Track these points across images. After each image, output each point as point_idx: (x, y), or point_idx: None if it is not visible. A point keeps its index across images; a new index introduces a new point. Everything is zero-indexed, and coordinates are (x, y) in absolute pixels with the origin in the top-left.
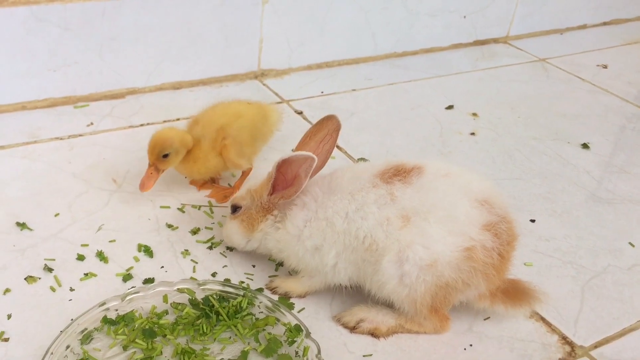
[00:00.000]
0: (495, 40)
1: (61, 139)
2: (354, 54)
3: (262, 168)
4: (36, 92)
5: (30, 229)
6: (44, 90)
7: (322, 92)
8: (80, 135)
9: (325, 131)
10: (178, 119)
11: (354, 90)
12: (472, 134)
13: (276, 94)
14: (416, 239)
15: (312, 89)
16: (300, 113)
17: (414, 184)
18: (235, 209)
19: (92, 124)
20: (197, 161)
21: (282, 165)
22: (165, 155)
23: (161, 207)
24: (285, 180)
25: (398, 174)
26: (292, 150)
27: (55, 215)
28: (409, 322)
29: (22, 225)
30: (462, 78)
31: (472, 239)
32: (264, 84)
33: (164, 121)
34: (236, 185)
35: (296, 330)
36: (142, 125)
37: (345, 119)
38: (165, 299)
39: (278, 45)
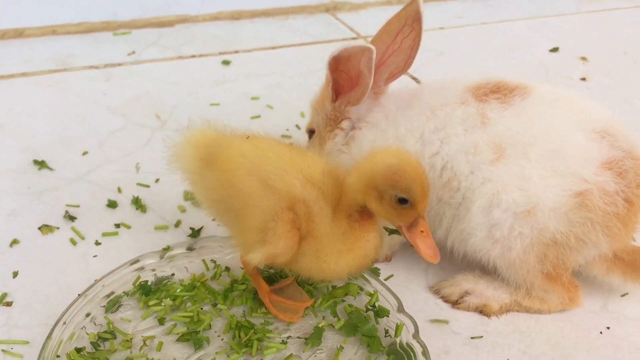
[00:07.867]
0: None
1: (96, 67)
2: None
3: None
4: (70, 15)
5: (51, 169)
6: (79, 13)
7: None
8: (119, 64)
9: (402, 21)
10: (237, 51)
11: (441, 28)
12: (583, 79)
13: (351, 29)
14: (511, 178)
15: None
16: None
17: (515, 106)
18: (310, 134)
19: (133, 52)
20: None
21: (335, 63)
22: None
23: None
24: (351, 80)
25: (497, 91)
26: None
27: (84, 153)
28: (527, 299)
29: (40, 164)
30: (565, 20)
31: (585, 180)
32: (336, 18)
33: (220, 53)
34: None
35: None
36: (193, 56)
37: (433, 59)
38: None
39: None
